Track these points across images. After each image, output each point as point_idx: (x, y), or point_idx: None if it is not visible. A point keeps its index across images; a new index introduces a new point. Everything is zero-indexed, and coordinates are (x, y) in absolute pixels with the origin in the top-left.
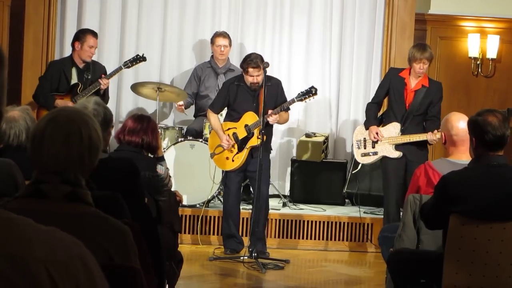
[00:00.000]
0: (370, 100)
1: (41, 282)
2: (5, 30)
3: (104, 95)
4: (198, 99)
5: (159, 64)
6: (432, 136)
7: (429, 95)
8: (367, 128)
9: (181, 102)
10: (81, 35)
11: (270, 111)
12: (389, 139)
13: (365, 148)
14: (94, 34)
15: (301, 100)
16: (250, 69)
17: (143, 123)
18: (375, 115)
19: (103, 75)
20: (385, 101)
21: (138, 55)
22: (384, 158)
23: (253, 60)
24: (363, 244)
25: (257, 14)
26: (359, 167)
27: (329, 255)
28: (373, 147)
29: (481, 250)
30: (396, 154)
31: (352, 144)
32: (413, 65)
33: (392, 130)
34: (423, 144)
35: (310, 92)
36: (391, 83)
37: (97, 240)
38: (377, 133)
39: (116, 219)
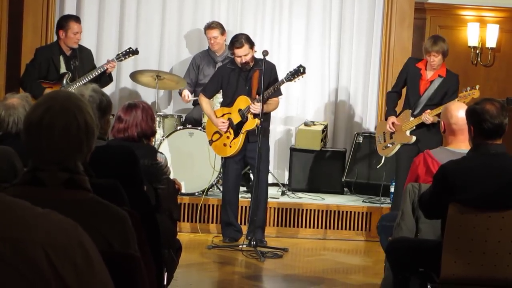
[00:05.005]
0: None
1: (39, 265)
2: (4, 17)
3: (110, 77)
4: (197, 88)
5: (158, 53)
6: (424, 116)
7: (445, 85)
8: (386, 119)
9: (187, 93)
10: (64, 22)
11: (255, 99)
12: (402, 126)
13: (385, 141)
14: (77, 20)
15: (290, 80)
16: (236, 50)
17: (130, 116)
18: (393, 105)
19: (108, 59)
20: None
21: (130, 48)
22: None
23: (238, 40)
24: (361, 233)
25: (257, 2)
26: (382, 161)
27: (327, 244)
28: (391, 138)
29: (480, 239)
30: (410, 138)
31: (375, 140)
32: (426, 57)
33: (405, 117)
34: (436, 134)
35: (298, 72)
36: (408, 72)
37: (96, 227)
38: (393, 123)
39: (115, 206)
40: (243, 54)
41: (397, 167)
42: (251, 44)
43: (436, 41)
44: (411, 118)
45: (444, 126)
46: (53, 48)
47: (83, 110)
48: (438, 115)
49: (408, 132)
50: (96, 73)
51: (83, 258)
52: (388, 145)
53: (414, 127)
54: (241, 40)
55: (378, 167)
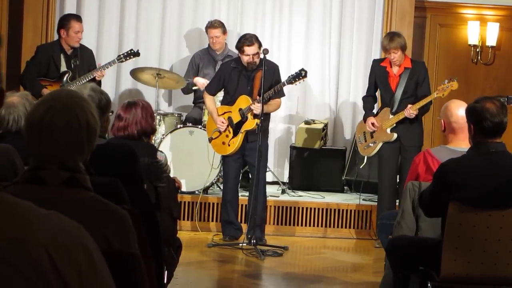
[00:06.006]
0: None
1: (42, 266)
2: (4, 16)
3: (99, 84)
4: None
5: (158, 51)
6: (407, 111)
7: (414, 75)
8: (365, 121)
9: (200, 80)
10: (65, 22)
11: (256, 99)
12: (383, 124)
13: (366, 141)
14: (78, 19)
15: (291, 83)
16: (246, 47)
17: (130, 114)
18: (370, 107)
19: (99, 64)
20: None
21: (132, 50)
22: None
23: (248, 39)
24: (362, 231)
25: (257, 1)
26: (365, 160)
27: (327, 242)
28: (372, 137)
29: (480, 237)
30: (391, 136)
31: (355, 141)
32: (387, 55)
33: (384, 115)
34: (417, 128)
35: (300, 75)
36: (376, 74)
37: (96, 226)
38: (372, 124)
39: (115, 205)
40: (252, 53)
41: (379, 166)
42: (260, 44)
43: (392, 37)
44: (391, 116)
45: (444, 125)
46: (54, 47)
47: (85, 110)
48: (419, 108)
49: (388, 130)
50: (91, 76)
51: (86, 260)
52: (370, 144)
53: (395, 124)
54: (251, 38)
55: (360, 167)
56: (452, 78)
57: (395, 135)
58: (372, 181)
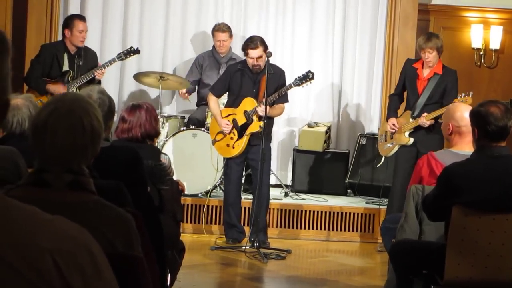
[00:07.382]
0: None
1: (47, 272)
2: (8, 17)
3: (99, 83)
4: (200, 88)
5: (161, 53)
6: (421, 120)
7: (443, 83)
8: (387, 121)
9: (184, 90)
10: (69, 21)
11: (262, 101)
12: (402, 127)
13: (385, 141)
14: (82, 18)
15: (298, 85)
16: (249, 50)
17: (134, 117)
18: (394, 107)
19: (99, 64)
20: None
21: (131, 47)
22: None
23: (253, 42)
24: (365, 234)
25: (260, 3)
26: (382, 160)
27: (331, 246)
28: (392, 138)
29: (484, 241)
30: (408, 140)
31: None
32: (421, 55)
33: (405, 118)
34: (436, 134)
35: (307, 77)
36: (406, 74)
37: (100, 228)
38: (393, 125)
39: (119, 207)
40: (256, 56)
41: (394, 168)
42: (265, 47)
43: (429, 37)
44: (411, 120)
45: (452, 128)
46: (58, 46)
47: (90, 114)
48: (436, 117)
49: (406, 134)
50: (92, 75)
51: (91, 265)
52: (389, 145)
53: (413, 129)
54: (256, 41)
55: (377, 166)
56: (467, 93)
57: (412, 140)
58: (375, 184)
